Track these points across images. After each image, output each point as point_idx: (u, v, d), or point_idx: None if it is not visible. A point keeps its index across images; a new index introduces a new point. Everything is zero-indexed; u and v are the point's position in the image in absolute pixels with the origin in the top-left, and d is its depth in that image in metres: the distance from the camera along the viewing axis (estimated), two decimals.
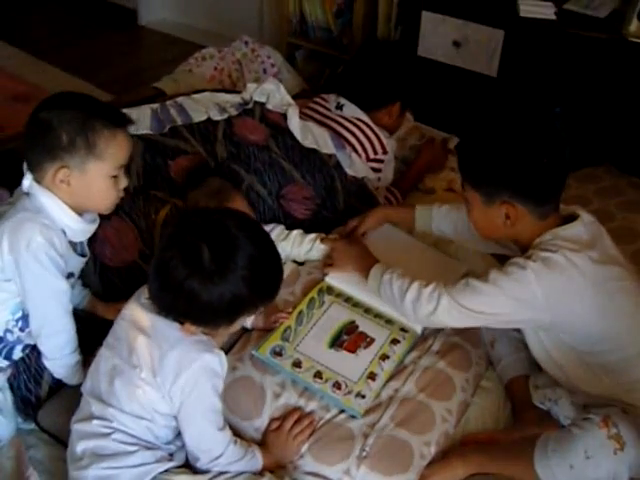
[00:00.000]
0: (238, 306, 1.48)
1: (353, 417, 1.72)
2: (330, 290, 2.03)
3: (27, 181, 1.64)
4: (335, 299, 2.00)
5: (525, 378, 1.90)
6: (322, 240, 2.13)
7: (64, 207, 1.63)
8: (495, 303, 1.65)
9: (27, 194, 1.65)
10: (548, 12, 2.97)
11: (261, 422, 1.73)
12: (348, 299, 2.01)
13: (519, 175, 1.66)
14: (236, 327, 1.59)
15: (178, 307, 1.48)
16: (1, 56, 4.14)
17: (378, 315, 1.97)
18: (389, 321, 1.96)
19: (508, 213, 1.68)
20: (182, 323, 1.50)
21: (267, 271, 1.50)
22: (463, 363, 1.89)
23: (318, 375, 1.78)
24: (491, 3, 3.12)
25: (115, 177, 1.66)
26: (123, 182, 1.69)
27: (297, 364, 1.79)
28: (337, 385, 1.76)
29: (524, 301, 1.62)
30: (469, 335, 1.96)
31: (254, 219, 1.62)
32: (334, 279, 2.04)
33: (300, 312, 1.93)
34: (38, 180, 1.63)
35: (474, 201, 1.75)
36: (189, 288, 1.42)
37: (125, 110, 2.23)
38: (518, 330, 1.88)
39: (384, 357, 1.86)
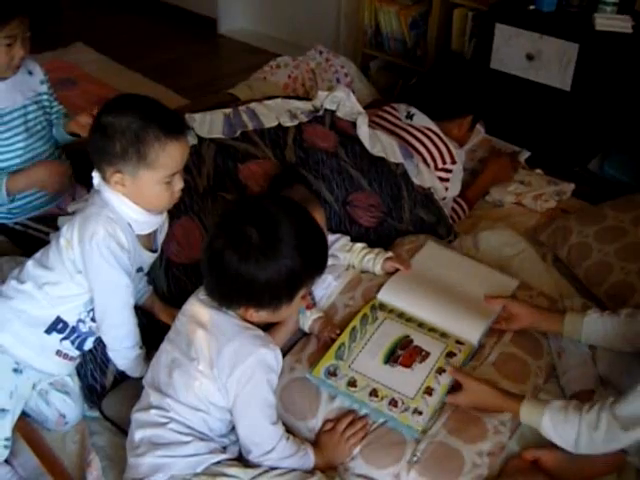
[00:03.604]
0: (295, 279, 1.53)
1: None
2: (382, 306, 2.00)
3: (96, 179, 1.71)
4: (388, 315, 1.97)
5: (590, 393, 1.84)
6: (387, 259, 2.10)
7: (127, 201, 1.68)
8: None
9: (97, 190, 1.72)
10: (625, 26, 2.91)
11: (315, 422, 1.75)
12: (401, 314, 1.98)
13: None
14: (295, 309, 1.65)
15: (239, 294, 1.53)
16: (87, 61, 4.29)
17: (432, 329, 1.94)
18: (444, 334, 1.93)
19: None
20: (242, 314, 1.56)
21: (313, 238, 1.55)
22: (519, 375, 1.87)
23: (374, 393, 1.76)
24: (566, 16, 3.09)
25: (168, 182, 1.69)
26: (178, 185, 1.71)
27: (352, 383, 1.77)
28: (393, 402, 1.74)
29: None
30: (529, 347, 1.94)
31: (293, 201, 1.65)
32: (386, 295, 2.02)
33: (353, 328, 1.91)
34: (103, 177, 1.70)
35: None
36: (246, 271, 1.48)
37: (199, 114, 2.33)
38: (589, 345, 1.85)
39: (440, 371, 1.82)
